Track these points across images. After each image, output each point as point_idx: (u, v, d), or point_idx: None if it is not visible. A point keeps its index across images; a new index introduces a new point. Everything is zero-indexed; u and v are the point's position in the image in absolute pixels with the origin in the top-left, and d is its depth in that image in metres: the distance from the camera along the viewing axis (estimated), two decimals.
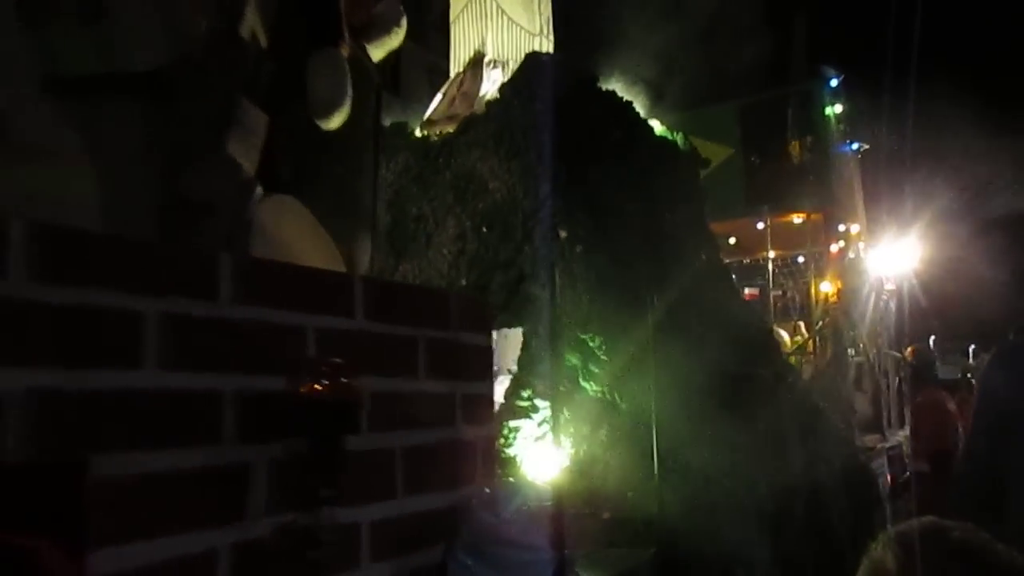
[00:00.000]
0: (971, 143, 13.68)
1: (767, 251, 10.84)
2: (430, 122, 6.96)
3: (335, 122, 2.37)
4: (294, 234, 2.10)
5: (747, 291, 13.57)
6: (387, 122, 6.97)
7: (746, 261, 12.76)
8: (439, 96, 7.20)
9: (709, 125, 11.42)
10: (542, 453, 4.19)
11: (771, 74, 11.11)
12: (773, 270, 12.25)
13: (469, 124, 6.04)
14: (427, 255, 5.76)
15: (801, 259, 11.90)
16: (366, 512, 1.35)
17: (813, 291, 10.58)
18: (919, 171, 11.48)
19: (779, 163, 10.78)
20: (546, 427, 4.23)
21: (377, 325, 1.43)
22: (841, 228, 10.78)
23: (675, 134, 7.63)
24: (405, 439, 1.46)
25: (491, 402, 2.01)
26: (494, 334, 4.95)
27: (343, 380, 1.24)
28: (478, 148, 5.81)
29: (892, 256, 12.42)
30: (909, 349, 8.10)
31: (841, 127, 11.30)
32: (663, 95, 10.49)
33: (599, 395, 4.21)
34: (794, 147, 10.70)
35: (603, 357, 4.25)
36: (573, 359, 4.36)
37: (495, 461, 2.00)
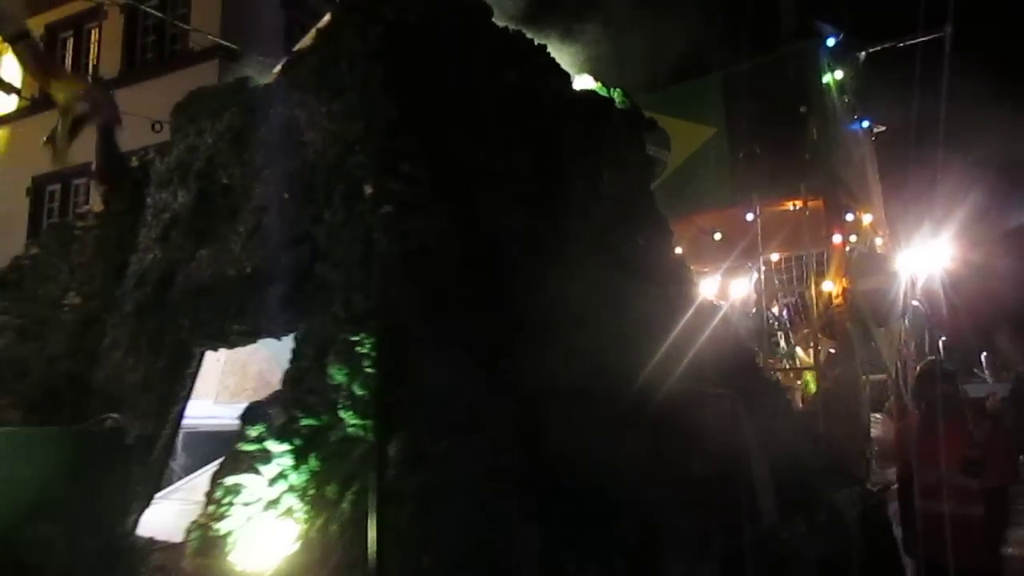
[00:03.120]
0: (1013, 119, 11.73)
1: (759, 248, 9.03)
2: None
3: None
4: None
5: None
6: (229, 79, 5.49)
7: (750, 265, 10.93)
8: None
9: (690, 102, 9.74)
10: (269, 529, 2.55)
11: (759, 37, 9.38)
12: (774, 272, 10.41)
13: (295, 60, 4.48)
14: (228, 236, 4.19)
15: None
16: None
17: (813, 292, 8.73)
18: (950, 153, 9.61)
19: (771, 141, 8.99)
20: (282, 486, 2.60)
21: None
22: (849, 217, 8.94)
23: (611, 91, 5.99)
24: None
25: None
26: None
27: None
28: (298, 91, 4.24)
29: (918, 253, 10.53)
30: (919, 367, 6.36)
31: (846, 98, 9.51)
32: (632, 70, 8.96)
33: (359, 433, 2.56)
34: (788, 122, 8.91)
35: (370, 370, 2.60)
36: (339, 375, 2.72)
37: None
